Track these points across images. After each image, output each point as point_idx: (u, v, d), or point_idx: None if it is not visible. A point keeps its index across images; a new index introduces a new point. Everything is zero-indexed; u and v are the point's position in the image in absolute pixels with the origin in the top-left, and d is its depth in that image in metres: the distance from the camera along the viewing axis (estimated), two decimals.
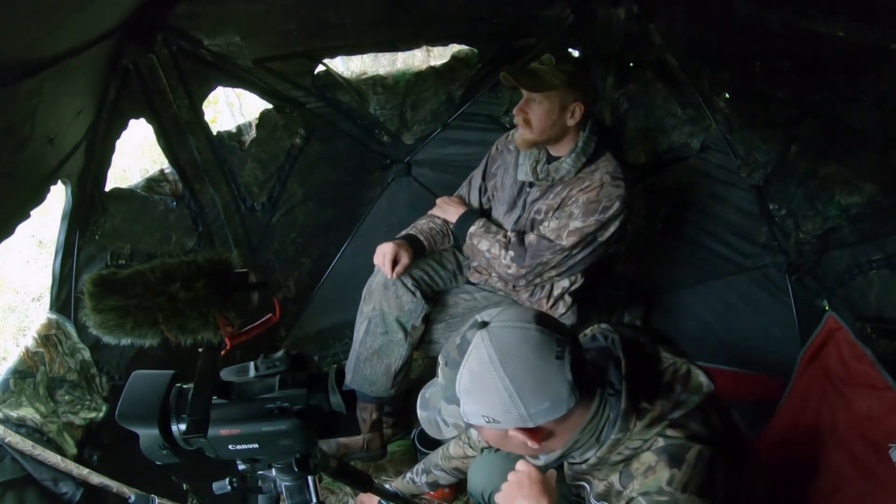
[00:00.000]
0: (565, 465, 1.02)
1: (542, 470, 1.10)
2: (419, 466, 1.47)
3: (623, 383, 0.86)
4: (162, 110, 1.55)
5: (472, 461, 1.37)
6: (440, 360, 0.90)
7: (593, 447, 0.89)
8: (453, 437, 1.33)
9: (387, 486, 1.49)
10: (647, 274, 2.29)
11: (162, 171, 1.69)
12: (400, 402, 1.95)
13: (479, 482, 1.29)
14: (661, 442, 0.84)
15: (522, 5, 1.94)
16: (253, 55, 1.67)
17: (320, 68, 1.87)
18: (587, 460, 0.91)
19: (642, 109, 2.10)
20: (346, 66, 3.74)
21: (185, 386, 0.80)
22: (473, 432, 1.32)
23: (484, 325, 0.85)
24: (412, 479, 1.47)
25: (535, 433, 0.85)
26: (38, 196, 1.12)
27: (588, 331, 1.01)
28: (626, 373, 0.87)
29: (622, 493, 0.87)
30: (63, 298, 1.35)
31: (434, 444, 1.72)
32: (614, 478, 0.89)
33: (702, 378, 0.88)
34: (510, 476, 1.02)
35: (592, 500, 0.99)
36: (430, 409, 0.92)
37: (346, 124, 2.03)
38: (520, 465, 1.02)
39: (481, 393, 0.82)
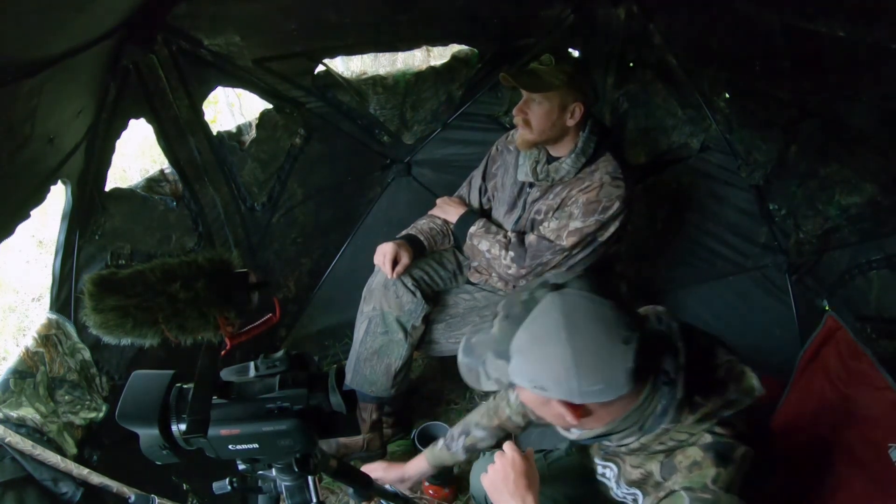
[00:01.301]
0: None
1: (568, 451, 1.11)
2: (454, 431, 1.38)
3: (680, 374, 0.83)
4: (162, 110, 1.55)
5: (474, 463, 1.35)
6: (500, 310, 0.86)
7: (635, 434, 0.86)
8: (491, 392, 1.27)
9: (386, 486, 1.49)
10: (647, 274, 2.29)
11: (162, 171, 1.69)
12: (400, 402, 1.95)
13: (482, 485, 1.28)
14: (708, 438, 0.83)
15: (522, 5, 1.94)
16: (253, 55, 1.67)
17: (320, 68, 1.87)
18: (627, 445, 0.89)
19: (642, 109, 2.10)
20: (346, 66, 3.74)
21: (185, 386, 0.80)
22: (513, 394, 1.28)
23: (557, 287, 0.81)
24: (447, 446, 1.38)
25: (578, 409, 0.82)
26: (38, 196, 1.12)
27: (642, 310, 0.96)
28: (684, 363, 0.84)
29: (661, 484, 0.85)
30: (63, 298, 1.35)
31: None
32: (653, 467, 0.88)
33: (755, 381, 0.86)
34: (497, 460, 1.01)
35: (619, 484, 0.97)
36: (474, 357, 0.89)
37: (346, 124, 2.03)
38: (507, 447, 1.00)
39: (537, 357, 0.79)
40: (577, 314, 0.78)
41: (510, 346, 0.81)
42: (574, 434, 0.95)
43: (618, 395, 0.78)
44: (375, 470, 1.41)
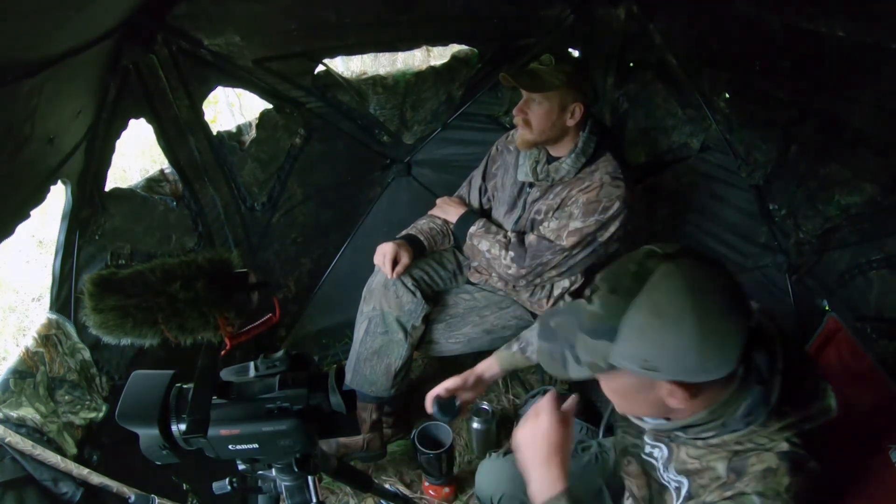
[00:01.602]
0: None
1: (574, 453, 1.11)
2: (529, 337, 1.33)
3: (776, 378, 0.79)
4: (162, 110, 1.55)
5: (480, 464, 1.34)
6: (600, 284, 0.79)
7: (715, 429, 0.82)
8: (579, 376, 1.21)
9: (386, 485, 1.49)
10: None
11: (162, 171, 1.69)
12: (400, 402, 1.95)
13: (488, 487, 1.28)
14: (785, 446, 0.80)
15: (522, 5, 1.94)
16: (253, 55, 1.67)
17: (320, 68, 1.87)
18: (704, 439, 0.84)
19: (642, 109, 2.10)
20: (346, 66, 3.74)
21: (185, 386, 0.80)
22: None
23: (668, 256, 0.75)
24: (521, 350, 1.35)
25: (690, 389, 0.76)
26: (38, 196, 1.12)
27: None
28: (781, 368, 0.80)
29: (726, 484, 0.82)
30: (63, 298, 1.35)
31: (433, 444, 1.72)
32: (717, 463, 0.84)
33: (833, 402, 0.83)
34: (536, 420, 0.94)
35: (667, 467, 0.94)
36: (557, 341, 0.82)
37: (346, 124, 2.03)
38: (543, 407, 0.95)
39: (657, 332, 0.72)
40: (701, 284, 0.72)
41: (620, 322, 0.74)
42: (650, 423, 0.90)
43: (724, 374, 0.73)
44: (447, 382, 1.32)
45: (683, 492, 0.90)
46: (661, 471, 0.97)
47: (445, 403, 1.29)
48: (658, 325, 0.72)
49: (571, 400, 1.01)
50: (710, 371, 0.73)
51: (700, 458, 0.87)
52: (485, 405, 1.87)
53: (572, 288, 1.73)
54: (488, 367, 1.36)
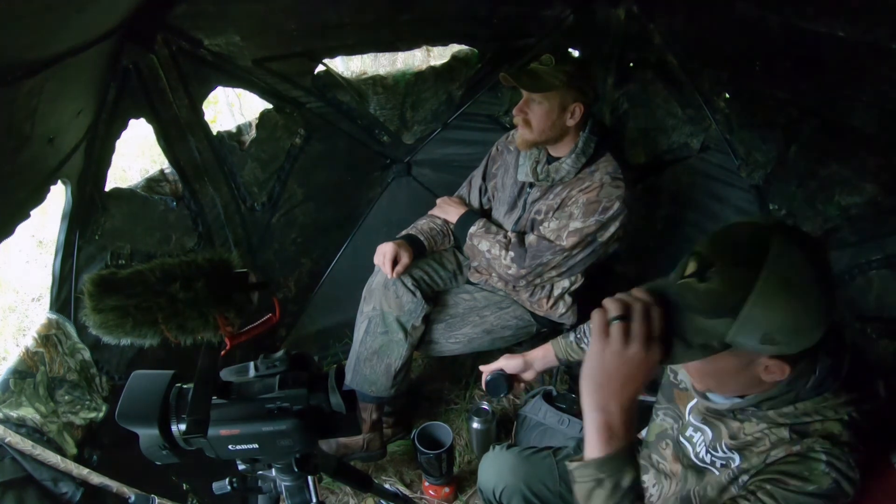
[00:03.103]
0: (697, 398, 0.95)
1: (576, 450, 1.10)
2: (587, 328, 1.29)
3: (847, 351, 0.81)
4: (162, 110, 1.55)
5: (483, 456, 1.34)
6: (715, 260, 0.74)
7: (787, 402, 0.83)
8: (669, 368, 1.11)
9: (386, 485, 1.49)
10: (647, 274, 2.29)
11: (162, 171, 1.69)
12: (400, 402, 1.95)
13: (490, 479, 1.29)
14: (846, 418, 0.81)
15: (522, 5, 1.94)
16: (253, 55, 1.67)
17: (320, 68, 1.87)
18: (778, 410, 0.84)
19: (642, 109, 2.10)
20: (346, 66, 3.74)
21: (185, 386, 0.80)
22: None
23: (777, 228, 0.74)
24: (577, 340, 1.33)
25: (790, 362, 0.76)
26: (38, 196, 1.12)
27: None
28: (850, 343, 0.81)
29: (792, 441, 0.83)
30: (63, 298, 1.35)
31: (433, 444, 1.72)
32: (777, 429, 0.85)
33: (882, 390, 0.85)
34: (615, 340, 0.76)
35: (713, 447, 0.93)
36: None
37: (346, 124, 2.03)
38: (637, 322, 0.77)
39: (787, 303, 0.70)
40: (816, 256, 0.72)
41: (748, 294, 0.70)
42: (725, 403, 0.89)
43: (814, 342, 0.74)
44: (500, 361, 1.39)
45: (734, 466, 0.90)
46: (702, 453, 0.96)
47: (499, 382, 1.35)
48: (789, 296, 0.71)
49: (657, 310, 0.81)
50: (812, 339, 0.73)
51: (760, 431, 0.87)
52: (485, 405, 1.87)
53: (572, 288, 1.73)
54: (544, 355, 1.36)
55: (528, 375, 1.38)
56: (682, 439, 1.01)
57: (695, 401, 0.99)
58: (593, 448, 0.77)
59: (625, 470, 0.77)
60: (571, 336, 1.34)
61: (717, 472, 0.92)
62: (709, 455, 0.95)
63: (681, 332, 0.76)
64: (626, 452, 0.77)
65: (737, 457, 0.90)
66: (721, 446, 0.92)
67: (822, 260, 0.74)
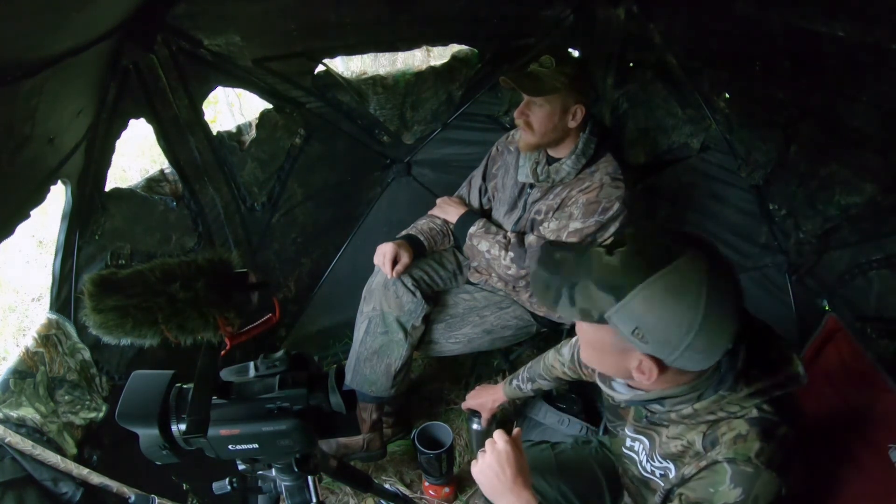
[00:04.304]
0: (632, 410, 1.00)
1: (573, 445, 1.19)
2: (523, 375, 1.48)
3: (741, 344, 0.82)
4: (162, 110, 1.55)
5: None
6: (627, 242, 0.80)
7: (691, 401, 0.86)
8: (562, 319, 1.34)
9: (386, 485, 1.49)
10: None
11: (162, 171, 1.69)
12: (400, 402, 1.95)
13: None
14: (755, 413, 0.83)
15: (522, 5, 1.94)
16: (253, 55, 1.67)
17: (320, 68, 1.87)
18: (678, 411, 0.88)
19: (642, 109, 2.10)
20: (346, 66, 3.74)
21: (185, 386, 0.80)
22: (566, 350, 1.34)
23: (697, 244, 0.78)
24: (518, 386, 1.50)
25: (662, 368, 0.80)
26: (38, 196, 1.12)
27: None
28: (745, 335, 0.82)
29: (702, 455, 0.85)
30: (63, 298, 1.35)
31: (433, 444, 1.72)
32: (695, 437, 0.87)
33: (801, 369, 0.86)
34: (489, 452, 0.99)
35: (650, 458, 0.96)
36: (560, 275, 0.82)
37: (346, 124, 2.03)
38: (497, 438, 0.99)
39: (663, 310, 0.75)
40: (719, 282, 0.75)
41: (634, 285, 0.75)
42: (625, 395, 0.94)
43: (707, 367, 0.78)
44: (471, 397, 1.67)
45: (672, 475, 0.92)
46: (643, 463, 0.99)
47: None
48: (669, 305, 0.74)
49: (517, 431, 1.06)
50: (693, 361, 0.78)
51: (681, 436, 0.90)
52: None
53: None
54: (495, 393, 1.61)
55: (485, 415, 1.65)
56: (626, 451, 1.05)
57: (629, 415, 1.02)
58: None
59: None
60: (514, 382, 1.52)
61: (659, 482, 0.95)
62: (649, 464, 0.98)
63: (571, 289, 0.81)
64: None
65: (671, 466, 0.92)
66: (656, 456, 0.95)
67: (729, 292, 0.76)
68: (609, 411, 1.14)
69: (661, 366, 0.80)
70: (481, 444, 1.23)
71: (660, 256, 0.76)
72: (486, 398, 1.61)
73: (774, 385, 0.84)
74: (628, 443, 1.04)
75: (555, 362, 1.38)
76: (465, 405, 1.68)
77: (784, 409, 0.84)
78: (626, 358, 0.82)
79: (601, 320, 0.79)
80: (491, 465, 0.98)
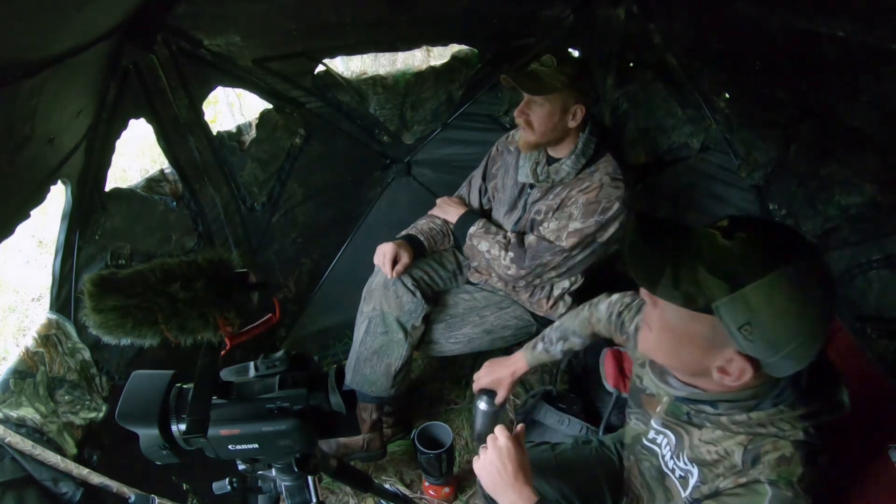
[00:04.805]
0: (666, 403, 0.94)
1: (574, 445, 1.17)
2: (552, 335, 1.35)
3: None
4: (162, 110, 1.55)
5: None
6: (749, 227, 0.72)
7: (746, 409, 0.81)
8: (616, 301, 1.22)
9: (386, 485, 1.49)
10: None
11: (162, 171, 1.69)
12: (400, 402, 1.95)
13: None
14: (801, 436, 0.79)
15: (522, 5, 1.94)
16: (253, 55, 1.67)
17: (320, 68, 1.87)
18: (731, 415, 0.82)
19: (642, 109, 2.10)
20: (346, 66, 3.74)
21: (185, 386, 0.80)
22: (603, 307, 1.25)
23: (809, 249, 0.73)
24: (546, 349, 1.36)
25: (756, 370, 0.74)
26: (38, 196, 1.12)
27: None
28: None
29: (741, 471, 0.81)
30: (63, 298, 1.35)
31: (433, 444, 1.72)
32: (734, 449, 0.83)
33: (846, 398, 0.83)
34: (490, 448, 0.99)
35: (675, 456, 0.93)
36: (663, 251, 0.75)
37: (346, 124, 2.03)
38: (499, 433, 1.00)
39: (781, 308, 0.69)
40: (830, 290, 0.71)
41: (755, 276, 0.68)
42: (680, 391, 0.87)
43: (786, 375, 0.74)
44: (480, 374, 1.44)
45: (692, 481, 0.89)
46: (667, 458, 0.96)
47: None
48: (788, 304, 0.69)
49: (520, 427, 1.05)
50: (781, 368, 0.73)
51: (716, 442, 0.85)
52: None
53: (572, 288, 1.73)
54: (515, 362, 1.41)
55: (502, 392, 1.42)
56: (647, 442, 1.02)
57: (660, 406, 0.99)
58: None
59: None
60: (539, 346, 1.37)
61: (677, 483, 0.93)
62: (672, 462, 0.95)
63: (676, 270, 0.73)
64: None
65: (695, 471, 0.89)
66: (683, 457, 0.92)
67: (832, 300, 0.72)
68: (632, 398, 1.10)
69: (757, 367, 0.74)
70: (491, 428, 1.21)
71: (783, 250, 0.70)
72: (502, 372, 1.41)
73: (825, 409, 0.81)
74: (651, 435, 1.00)
75: (591, 318, 1.28)
76: (477, 385, 1.46)
77: (826, 436, 0.81)
78: (712, 354, 0.76)
79: (706, 309, 0.71)
80: (493, 461, 0.99)
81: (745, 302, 0.69)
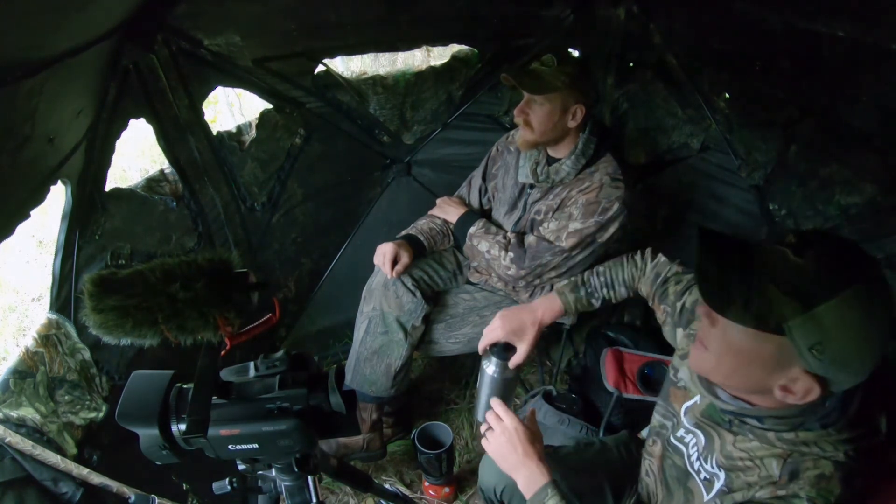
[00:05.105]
0: (704, 405, 0.91)
1: (577, 447, 1.15)
2: (597, 280, 1.21)
3: (860, 389, 0.76)
4: (162, 110, 1.55)
5: (484, 456, 1.31)
6: (821, 244, 0.70)
7: (792, 427, 0.78)
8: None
9: (386, 485, 1.49)
10: None
11: (162, 171, 1.70)
12: (400, 402, 1.95)
13: (491, 479, 1.29)
14: (842, 458, 0.77)
15: (522, 5, 1.94)
16: (253, 55, 1.67)
17: (320, 68, 1.87)
18: (777, 432, 0.80)
19: (642, 109, 2.10)
20: (346, 66, 3.74)
21: (185, 386, 0.80)
22: (650, 270, 1.14)
23: (874, 259, 0.71)
24: (591, 294, 1.22)
25: (823, 389, 0.71)
26: (38, 196, 1.12)
27: None
28: (862, 381, 0.76)
29: (777, 483, 0.79)
30: (63, 298, 1.35)
31: (433, 444, 1.72)
32: (771, 462, 0.81)
33: (884, 425, 0.80)
34: (497, 428, 1.00)
35: (704, 457, 0.91)
36: (733, 272, 0.72)
37: (346, 124, 2.03)
38: (502, 414, 1.01)
39: (855, 329, 0.67)
40: (892, 300, 0.69)
41: (829, 295, 0.66)
42: (729, 405, 0.84)
43: (841, 390, 0.72)
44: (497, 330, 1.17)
45: (717, 485, 0.87)
46: (693, 458, 0.94)
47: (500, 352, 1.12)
48: (862, 324, 0.67)
49: (532, 410, 1.06)
50: (854, 381, 0.71)
51: (751, 452, 0.84)
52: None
53: None
54: (551, 307, 1.19)
55: (523, 348, 1.15)
56: (673, 440, 1.00)
57: (691, 401, 0.97)
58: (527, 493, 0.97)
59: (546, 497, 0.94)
60: (583, 289, 1.20)
61: (701, 485, 0.91)
62: (699, 463, 0.93)
63: (748, 291, 0.70)
64: (545, 488, 0.95)
65: (722, 475, 0.87)
66: (712, 460, 0.90)
67: (892, 316, 0.70)
68: (662, 394, 1.07)
69: (823, 386, 0.71)
70: (504, 393, 1.08)
71: (853, 267, 0.68)
72: (524, 318, 1.15)
73: (868, 434, 0.79)
74: (680, 433, 0.98)
75: (637, 272, 1.19)
76: (487, 339, 1.16)
77: (864, 461, 0.79)
78: (777, 374, 0.73)
79: (776, 331, 0.69)
80: (502, 444, 0.99)
81: (817, 322, 0.67)
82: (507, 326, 1.14)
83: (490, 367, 1.12)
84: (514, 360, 1.12)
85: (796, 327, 0.68)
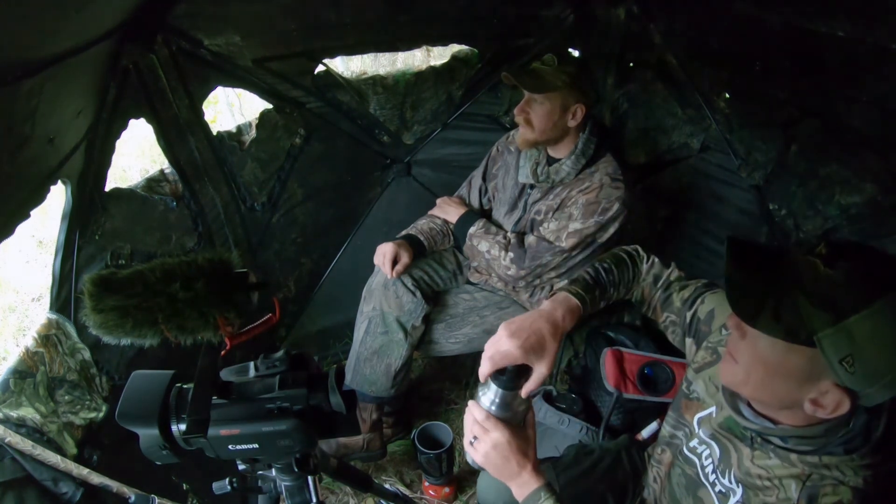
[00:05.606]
0: (722, 417, 0.89)
1: (577, 455, 1.11)
2: (606, 277, 1.12)
3: (885, 413, 0.74)
4: (162, 110, 1.55)
5: (482, 473, 1.29)
6: (851, 254, 0.69)
7: (816, 445, 0.77)
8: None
9: (386, 485, 1.49)
10: None
11: (162, 171, 1.70)
12: (400, 402, 1.95)
13: (490, 496, 1.27)
14: (860, 483, 0.76)
15: (522, 5, 1.94)
16: (253, 55, 1.67)
17: (320, 68, 1.87)
18: (800, 453, 0.78)
19: (642, 110, 2.10)
20: (346, 66, 3.74)
21: (185, 386, 0.80)
22: (651, 275, 1.09)
23: None
24: (606, 296, 1.12)
25: (853, 403, 0.70)
26: (38, 196, 1.12)
27: None
28: (889, 404, 0.74)
29: None
30: (63, 298, 1.35)
31: (433, 444, 1.72)
32: (790, 483, 0.79)
33: None
34: (483, 439, 0.86)
35: (720, 471, 0.89)
36: (759, 280, 0.70)
37: (346, 124, 2.03)
38: (489, 427, 0.86)
39: (887, 340, 0.65)
40: None
41: (860, 307, 0.65)
42: (753, 423, 0.82)
43: (871, 405, 0.71)
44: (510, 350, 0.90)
45: (733, 501, 0.86)
46: (707, 470, 0.93)
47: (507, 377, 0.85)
48: (888, 329, 0.66)
49: (529, 416, 0.95)
50: (872, 398, 0.70)
51: (770, 469, 0.82)
52: None
53: None
54: (571, 311, 0.98)
55: (541, 370, 0.89)
56: (686, 451, 0.98)
57: (706, 412, 0.95)
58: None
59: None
60: (598, 291, 1.06)
61: (714, 498, 0.90)
62: (714, 476, 0.91)
63: (778, 302, 0.69)
64: (537, 492, 0.89)
65: (739, 491, 0.86)
66: (729, 475, 0.88)
67: None
68: (674, 405, 1.06)
69: (854, 399, 0.70)
70: (513, 411, 0.90)
71: (885, 278, 0.67)
72: (541, 330, 0.89)
73: (888, 459, 0.77)
74: (693, 443, 0.97)
75: (636, 276, 1.14)
76: (497, 364, 0.85)
77: (882, 486, 0.78)
78: (807, 387, 0.72)
79: (807, 343, 0.68)
80: (494, 457, 0.88)
81: (848, 334, 0.66)
82: (524, 344, 0.86)
83: (494, 401, 0.84)
84: (530, 387, 0.88)
85: (826, 339, 0.67)
